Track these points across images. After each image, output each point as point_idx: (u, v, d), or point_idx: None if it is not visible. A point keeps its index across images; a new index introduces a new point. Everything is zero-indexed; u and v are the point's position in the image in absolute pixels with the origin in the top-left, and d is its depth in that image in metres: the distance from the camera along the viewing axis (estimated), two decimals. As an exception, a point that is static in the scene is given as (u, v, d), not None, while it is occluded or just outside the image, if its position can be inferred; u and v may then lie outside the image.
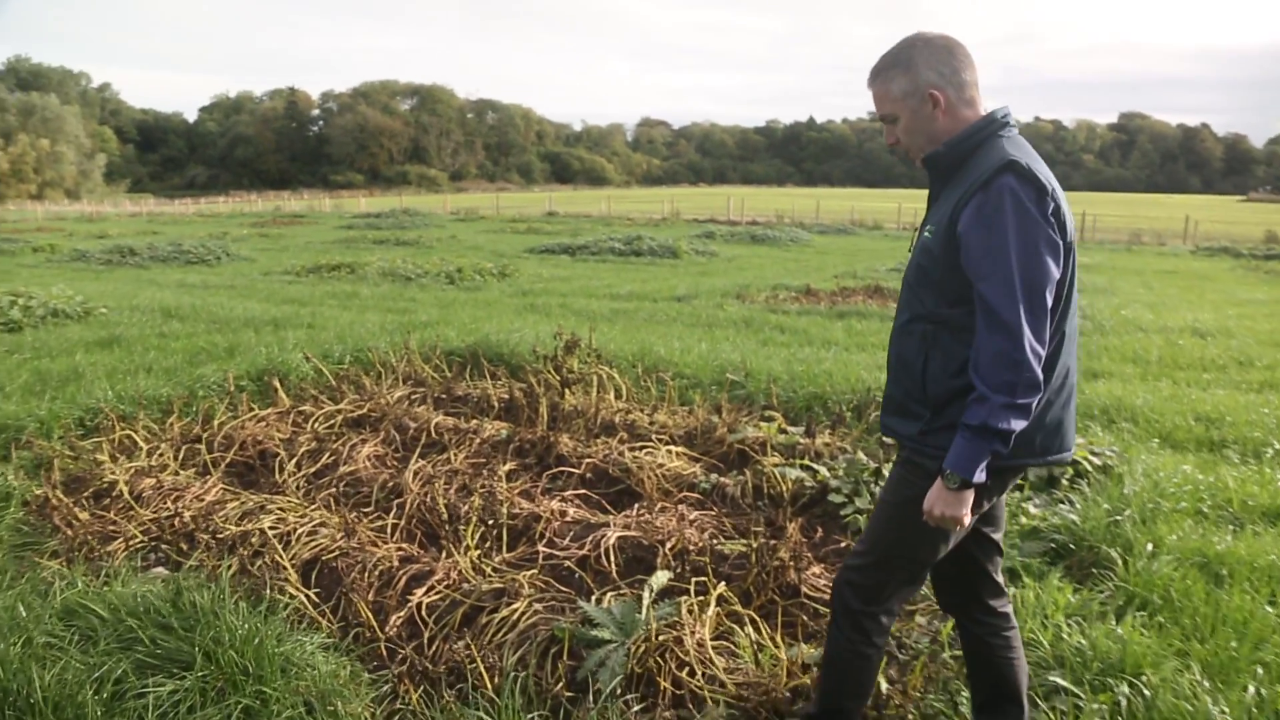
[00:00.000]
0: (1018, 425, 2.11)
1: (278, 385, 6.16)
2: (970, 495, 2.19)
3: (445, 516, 4.14)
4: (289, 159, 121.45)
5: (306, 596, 3.31)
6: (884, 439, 5.00)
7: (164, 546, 3.98)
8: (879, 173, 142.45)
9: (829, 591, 3.68)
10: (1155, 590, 3.47)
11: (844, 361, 7.52)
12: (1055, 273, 2.14)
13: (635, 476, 4.78)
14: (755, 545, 3.65)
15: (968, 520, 2.22)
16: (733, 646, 3.19)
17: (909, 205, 44.72)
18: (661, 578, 3.47)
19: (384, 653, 3.16)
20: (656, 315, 11.30)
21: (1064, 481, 4.84)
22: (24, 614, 2.97)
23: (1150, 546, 3.78)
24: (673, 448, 5.18)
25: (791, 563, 3.65)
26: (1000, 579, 2.64)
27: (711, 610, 3.22)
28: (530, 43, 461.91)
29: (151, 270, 19.72)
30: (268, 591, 3.28)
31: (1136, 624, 3.20)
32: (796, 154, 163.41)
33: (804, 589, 3.63)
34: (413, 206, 52.09)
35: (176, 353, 8.04)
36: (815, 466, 4.85)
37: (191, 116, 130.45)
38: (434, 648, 3.18)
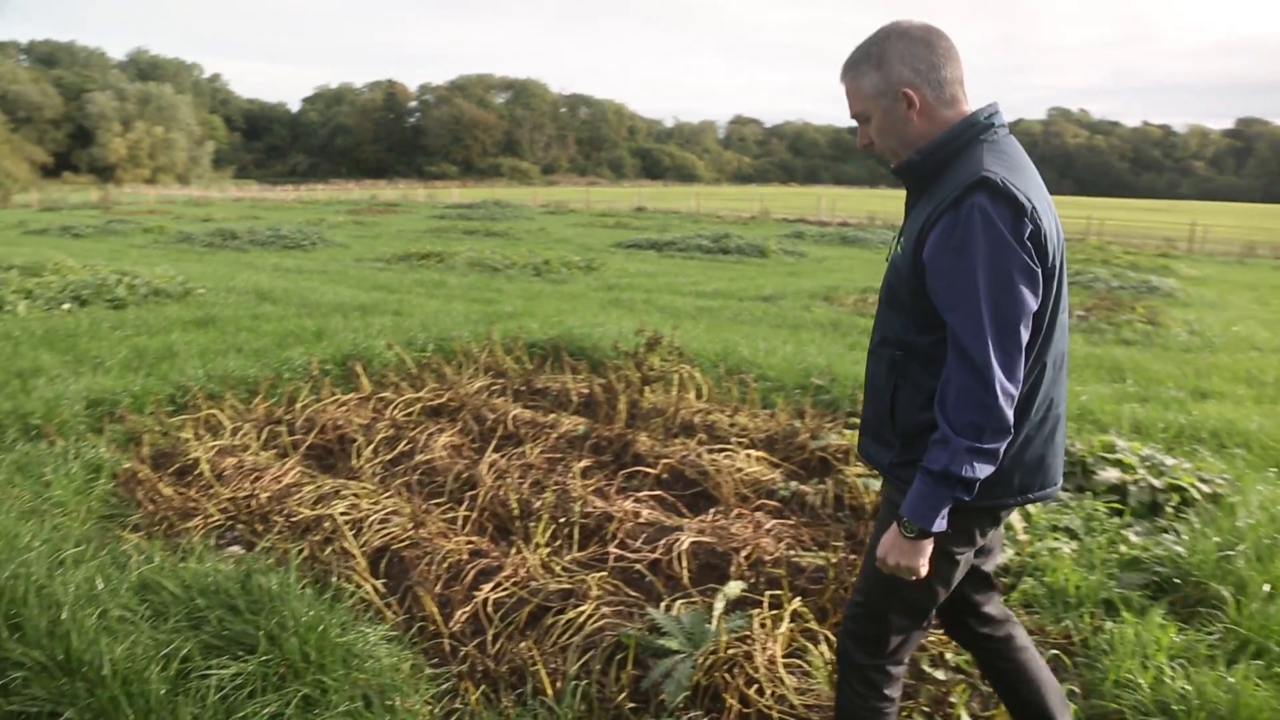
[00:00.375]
0: (983, 472, 1.93)
1: (360, 371, 6.22)
2: (929, 544, 2.00)
3: (517, 511, 4.08)
4: (386, 149, 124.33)
5: (373, 586, 3.28)
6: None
7: (240, 526, 4.02)
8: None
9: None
10: (1272, 636, 3.19)
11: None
12: (1031, 304, 1.92)
13: (712, 480, 4.66)
14: (835, 560, 3.49)
15: (924, 570, 2.03)
16: (805, 666, 3.04)
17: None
18: (734, 588, 3.35)
19: (447, 649, 3.11)
20: (741, 315, 11.13)
21: (1168, 509, 4.55)
22: (101, 586, 3.01)
23: (1267, 588, 3.49)
24: (752, 452, 5.03)
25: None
26: (994, 611, 2.43)
27: (785, 626, 3.08)
28: (626, 39, 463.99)
29: (250, 253, 20.36)
30: (335, 579, 3.26)
31: (1251, 673, 2.95)
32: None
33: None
34: (504, 198, 52.75)
35: (266, 335, 8.22)
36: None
37: (295, 107, 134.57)
38: (498, 646, 3.12)
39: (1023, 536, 4.21)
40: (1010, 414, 1.91)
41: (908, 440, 2.09)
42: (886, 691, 2.29)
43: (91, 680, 2.55)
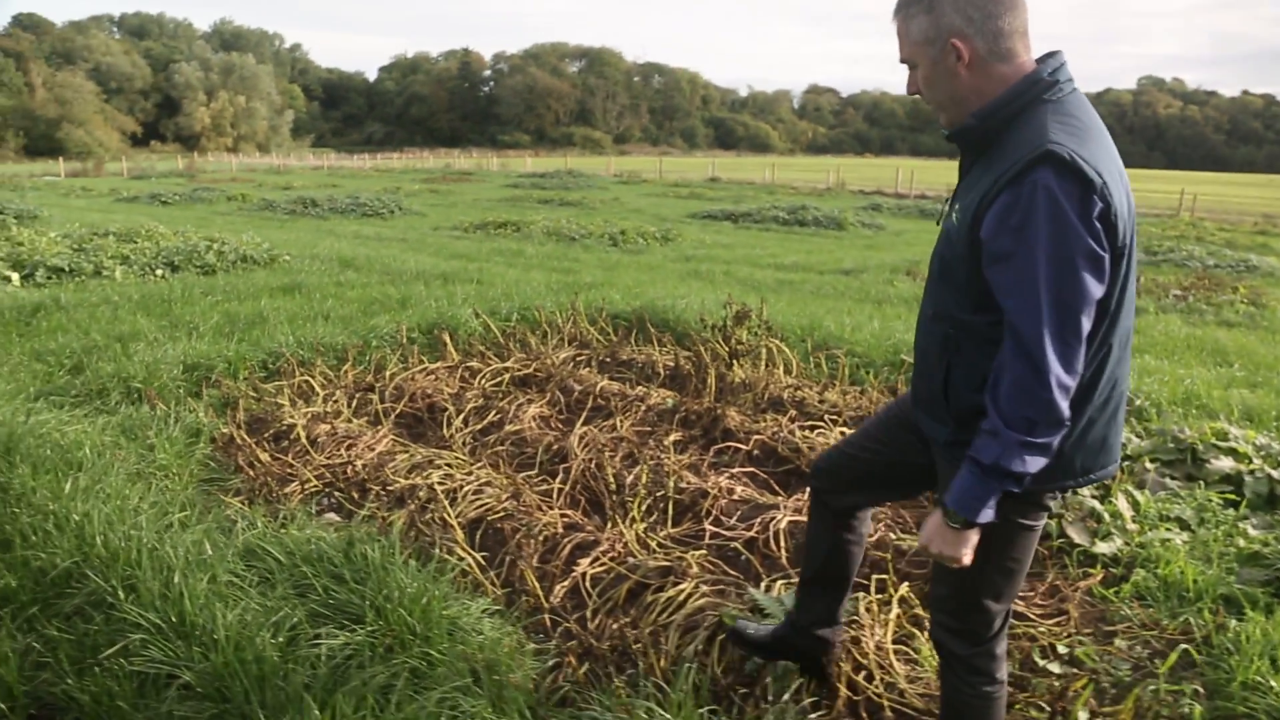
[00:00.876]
0: (1035, 465, 1.80)
1: (447, 340, 6.24)
2: (975, 535, 1.90)
3: (612, 485, 4.04)
4: (460, 118, 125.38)
5: (475, 560, 3.26)
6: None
7: (336, 494, 4.06)
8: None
9: (1020, 602, 3.38)
10: None
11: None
12: (1095, 291, 1.76)
13: (805, 457, 4.56)
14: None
15: (968, 560, 1.93)
16: (913, 653, 2.95)
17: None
18: (838, 570, 3.25)
19: (547, 623, 3.09)
20: (823, 288, 10.93)
21: (1291, 499, 4.31)
22: (209, 551, 3.05)
23: None
24: (845, 430, 4.91)
25: (979, 566, 3.36)
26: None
27: (894, 612, 2.98)
28: (703, 6, 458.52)
29: (330, 221, 20.71)
30: (436, 550, 3.26)
31: (1396, 677, 2.77)
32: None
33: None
34: (577, 168, 52.77)
35: (352, 302, 8.32)
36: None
37: (372, 76, 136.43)
38: (597, 622, 3.08)
39: (1131, 526, 4.02)
40: (1066, 407, 1.78)
41: (962, 421, 1.98)
42: (997, 675, 2.20)
43: (205, 645, 2.58)
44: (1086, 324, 1.78)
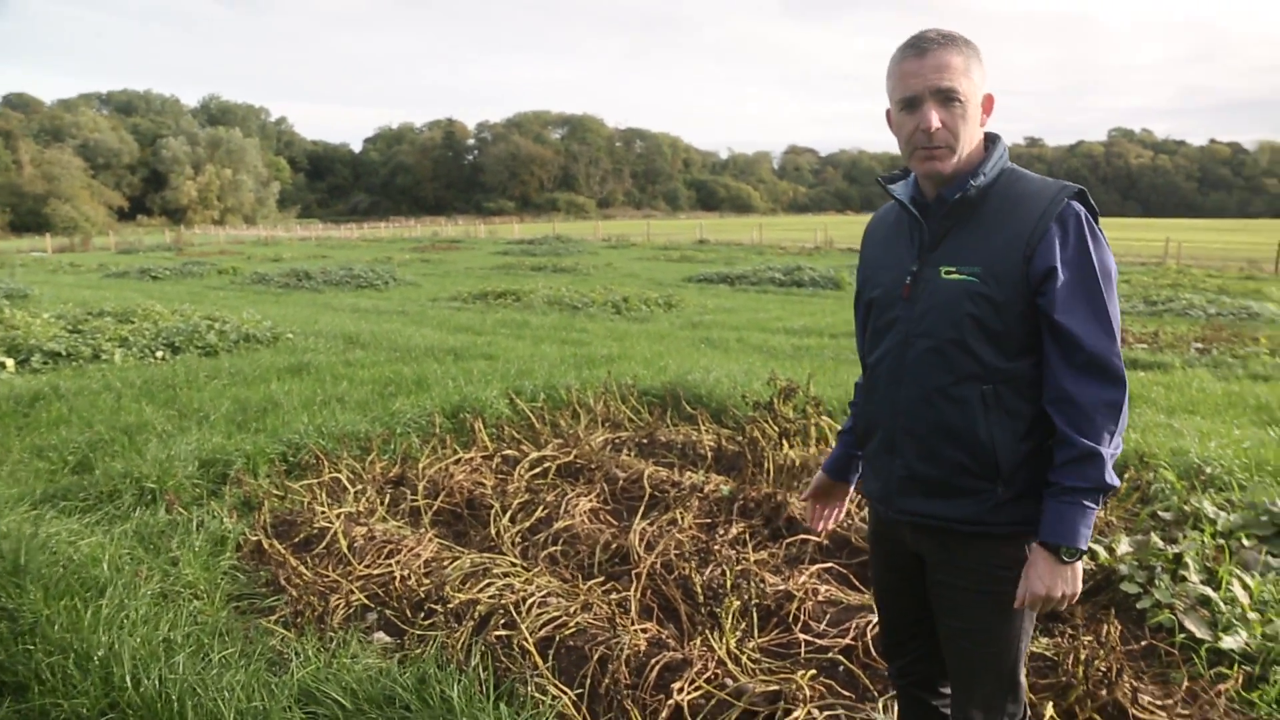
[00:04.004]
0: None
1: (480, 427, 5.89)
2: (1081, 564, 1.94)
3: (697, 592, 3.67)
4: (445, 186, 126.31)
5: (569, 697, 2.86)
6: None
7: (388, 611, 3.67)
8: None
9: (1157, 712, 3.03)
10: None
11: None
12: None
13: (882, 548, 4.22)
14: (1075, 651, 3.02)
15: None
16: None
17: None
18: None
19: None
20: (841, 354, 10.67)
21: None
22: (262, 697, 2.67)
23: None
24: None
25: (1116, 675, 3.01)
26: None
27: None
28: (683, 72, 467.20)
29: (326, 294, 20.41)
30: (525, 688, 2.86)
31: None
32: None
33: (1132, 709, 2.99)
34: (565, 233, 52.95)
35: (365, 383, 7.99)
36: (1093, 547, 4.16)
37: (357, 147, 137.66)
38: (704, 763, 2.71)
39: (1253, 615, 3.69)
40: None
41: (1009, 476, 1.95)
42: None
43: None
44: None
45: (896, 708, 2.90)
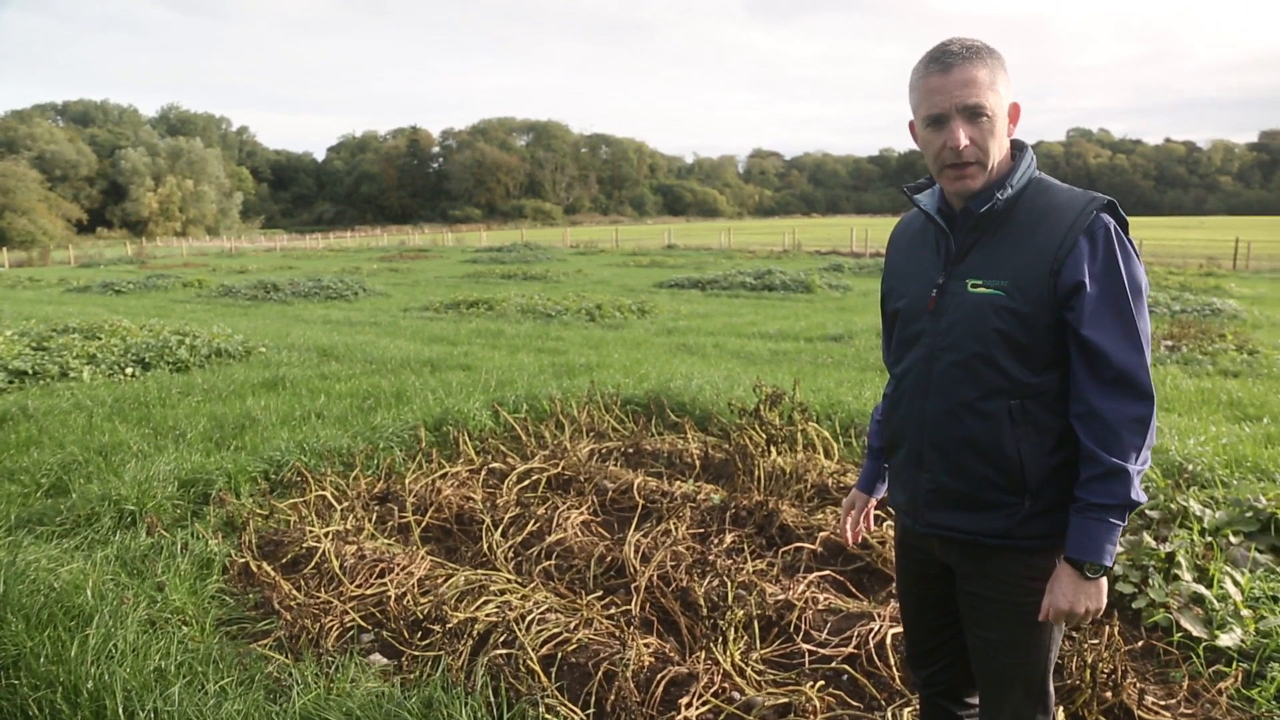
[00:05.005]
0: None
1: (465, 440, 5.82)
2: (1106, 580, 1.93)
3: (700, 605, 3.63)
4: (410, 195, 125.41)
5: (580, 717, 2.81)
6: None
7: (384, 633, 3.60)
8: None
9: (1162, 712, 3.04)
10: None
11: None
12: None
13: (878, 553, 4.22)
14: (1080, 654, 3.03)
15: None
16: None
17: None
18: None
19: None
20: (820, 358, 10.69)
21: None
22: (263, 726, 2.60)
23: None
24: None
25: (1121, 677, 3.02)
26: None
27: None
28: (648, 77, 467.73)
29: (295, 306, 20.17)
30: (534, 710, 2.81)
31: None
32: (911, 182, 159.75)
33: (1138, 711, 3.00)
34: (533, 240, 52.75)
35: (343, 396, 7.88)
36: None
37: (320, 156, 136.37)
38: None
39: (1245, 612, 3.73)
40: None
41: (1037, 490, 1.94)
42: None
43: None
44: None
45: (919, 717, 2.90)
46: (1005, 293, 1.90)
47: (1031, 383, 1.92)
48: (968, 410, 1.96)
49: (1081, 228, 1.86)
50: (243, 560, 4.22)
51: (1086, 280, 1.85)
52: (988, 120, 1.88)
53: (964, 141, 1.88)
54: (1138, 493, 1.85)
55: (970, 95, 1.86)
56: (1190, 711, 3.10)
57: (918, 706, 3.04)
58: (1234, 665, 3.34)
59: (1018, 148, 2.00)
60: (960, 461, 1.99)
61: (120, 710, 2.74)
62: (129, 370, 9.57)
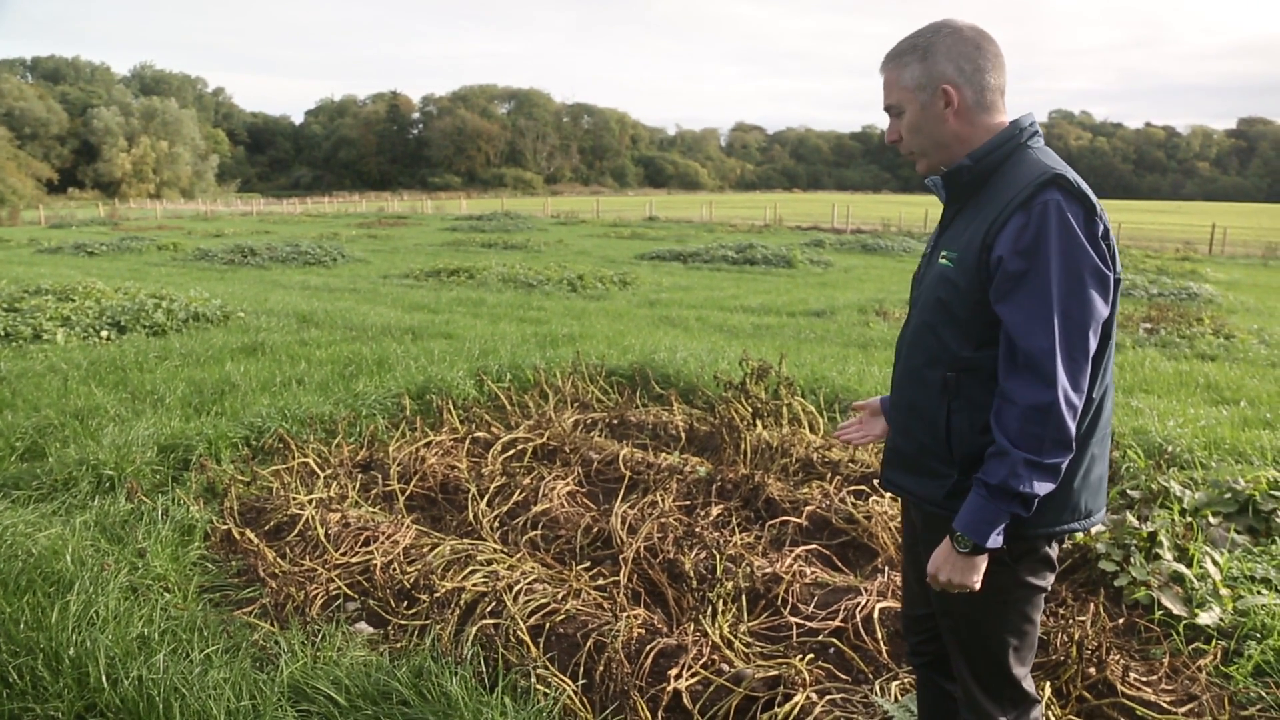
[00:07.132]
0: (1042, 489, 1.81)
1: (450, 409, 5.77)
2: (984, 561, 1.89)
3: (690, 576, 3.63)
4: (389, 161, 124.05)
5: (571, 688, 2.79)
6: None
7: (371, 601, 3.58)
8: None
9: (1144, 688, 3.08)
10: None
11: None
12: (1101, 309, 1.83)
13: (863, 528, 4.23)
14: (1065, 630, 3.06)
15: (978, 585, 1.90)
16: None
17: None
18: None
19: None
20: (802, 333, 10.71)
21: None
22: (253, 696, 2.58)
23: None
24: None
25: (1105, 653, 3.06)
26: None
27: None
28: (632, 48, 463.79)
29: (273, 271, 19.94)
30: (531, 681, 2.79)
31: None
32: (893, 160, 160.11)
33: (1121, 686, 3.04)
34: (513, 209, 52.37)
35: (324, 363, 7.80)
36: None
37: (298, 119, 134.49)
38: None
39: (1224, 591, 3.78)
40: (1073, 426, 1.80)
41: (967, 467, 1.94)
42: None
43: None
44: (1093, 343, 1.82)
45: (911, 690, 2.92)
46: (952, 264, 1.95)
47: (967, 357, 1.92)
48: (915, 376, 2.03)
49: (1018, 203, 1.83)
50: (225, 527, 4.18)
51: (1009, 256, 1.81)
52: (903, 116, 2.02)
53: (891, 136, 2.07)
54: (1024, 484, 1.78)
55: (886, 97, 2.05)
56: (1171, 687, 3.14)
57: (906, 679, 3.07)
58: (1213, 643, 3.38)
59: (1012, 123, 2.00)
60: (907, 425, 2.07)
61: (104, 677, 2.70)
62: (104, 333, 9.43)
